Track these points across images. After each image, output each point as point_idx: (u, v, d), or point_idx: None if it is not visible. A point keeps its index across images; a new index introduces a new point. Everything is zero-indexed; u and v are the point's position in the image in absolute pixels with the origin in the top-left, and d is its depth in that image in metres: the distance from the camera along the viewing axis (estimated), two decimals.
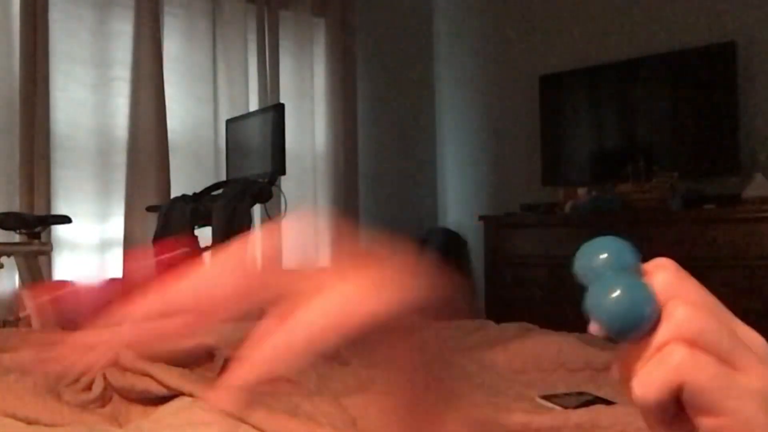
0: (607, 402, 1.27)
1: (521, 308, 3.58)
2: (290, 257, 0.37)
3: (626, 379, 0.31)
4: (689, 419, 0.30)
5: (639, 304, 0.29)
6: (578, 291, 0.32)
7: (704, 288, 0.31)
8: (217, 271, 0.36)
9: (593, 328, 0.30)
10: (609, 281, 0.29)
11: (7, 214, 2.91)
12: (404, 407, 0.40)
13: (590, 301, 0.30)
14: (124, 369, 1.36)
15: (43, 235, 2.96)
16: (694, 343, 0.29)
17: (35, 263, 2.86)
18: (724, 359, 0.29)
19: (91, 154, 3.41)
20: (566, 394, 1.37)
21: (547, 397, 1.35)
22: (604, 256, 0.30)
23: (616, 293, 0.29)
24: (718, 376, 0.28)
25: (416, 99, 4.82)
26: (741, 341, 0.29)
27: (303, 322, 0.33)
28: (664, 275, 0.30)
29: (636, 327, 0.29)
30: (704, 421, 0.29)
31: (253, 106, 3.89)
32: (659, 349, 0.29)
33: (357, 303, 0.34)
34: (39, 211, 3.16)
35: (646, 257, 0.33)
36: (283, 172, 3.06)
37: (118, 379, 1.32)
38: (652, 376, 0.29)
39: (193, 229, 2.98)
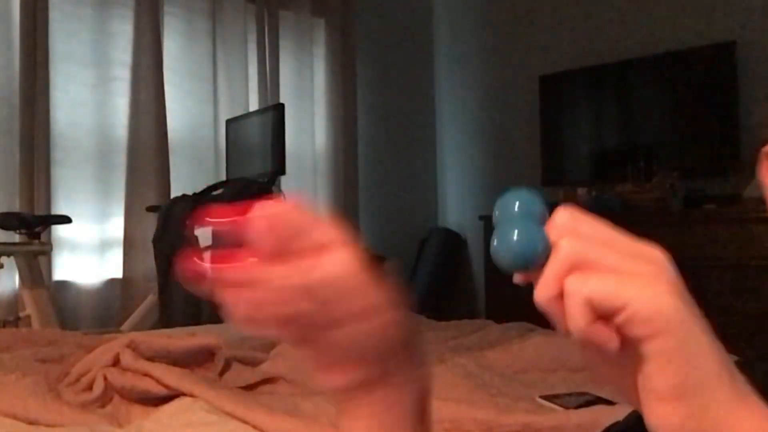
0: (609, 402, 1.27)
1: (521, 308, 3.57)
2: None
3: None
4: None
5: (527, 243, 0.34)
6: None
7: (598, 222, 0.36)
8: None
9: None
10: (504, 227, 0.35)
11: (7, 214, 2.90)
12: None
13: (492, 244, 0.35)
14: (124, 369, 1.36)
15: (43, 235, 2.96)
16: (578, 266, 0.33)
17: (35, 263, 2.86)
18: (612, 270, 0.33)
19: (91, 154, 3.41)
20: (567, 395, 1.36)
21: (547, 397, 1.35)
22: (516, 204, 0.35)
23: (509, 235, 0.34)
24: (605, 278, 0.32)
25: (416, 99, 4.81)
26: (630, 256, 0.34)
27: None
28: (559, 218, 0.35)
29: (526, 262, 0.34)
30: (618, 319, 0.32)
31: (253, 106, 3.88)
32: (556, 280, 0.33)
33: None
34: (39, 211, 3.16)
35: None
36: (283, 172, 3.06)
37: (118, 379, 1.32)
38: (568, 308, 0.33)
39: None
